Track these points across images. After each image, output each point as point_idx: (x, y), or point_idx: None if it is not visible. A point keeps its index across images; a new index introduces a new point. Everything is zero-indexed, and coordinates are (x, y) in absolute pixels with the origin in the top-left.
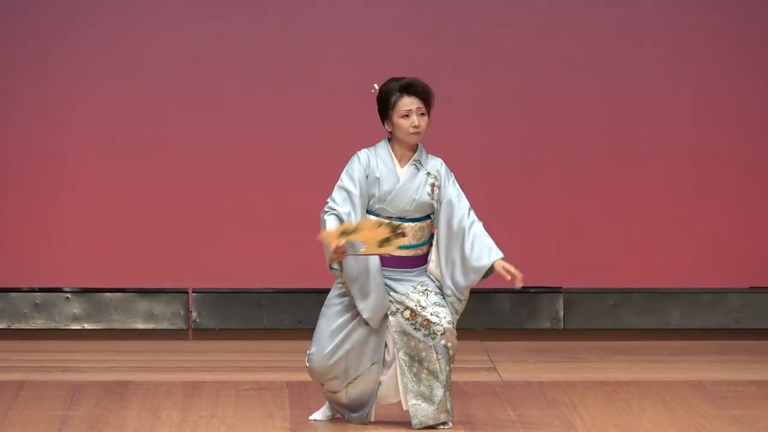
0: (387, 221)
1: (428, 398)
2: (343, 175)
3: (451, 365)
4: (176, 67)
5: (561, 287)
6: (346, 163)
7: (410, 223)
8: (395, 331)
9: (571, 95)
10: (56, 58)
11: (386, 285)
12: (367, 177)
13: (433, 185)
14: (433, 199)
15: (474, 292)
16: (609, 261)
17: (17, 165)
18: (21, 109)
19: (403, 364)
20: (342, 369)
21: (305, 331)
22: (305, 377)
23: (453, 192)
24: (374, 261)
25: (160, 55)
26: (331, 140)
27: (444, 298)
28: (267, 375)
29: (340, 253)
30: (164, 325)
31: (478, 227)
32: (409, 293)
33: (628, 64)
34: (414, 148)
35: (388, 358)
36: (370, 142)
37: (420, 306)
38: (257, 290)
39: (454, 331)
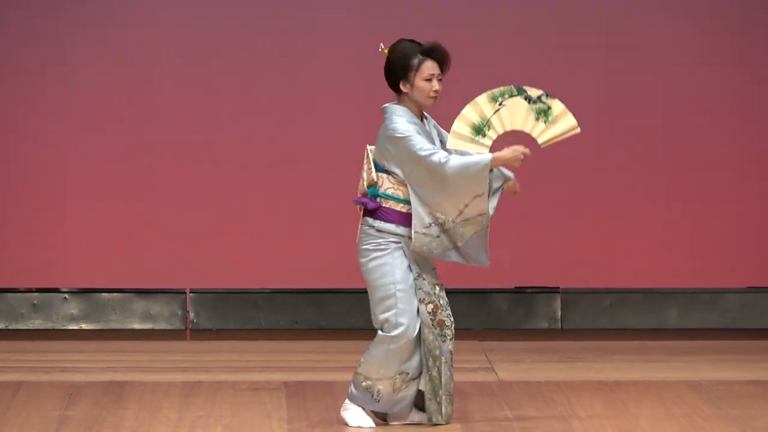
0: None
1: (433, 398)
2: (404, 130)
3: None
4: (174, 68)
5: (558, 287)
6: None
7: None
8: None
9: (569, 95)
10: (54, 58)
11: (417, 269)
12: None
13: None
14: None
15: (472, 293)
16: (606, 261)
17: (15, 166)
18: (19, 111)
19: (426, 362)
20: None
21: (302, 331)
22: (303, 377)
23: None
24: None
25: (157, 56)
26: (328, 142)
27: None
28: (264, 375)
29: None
30: (162, 326)
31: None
32: (435, 284)
33: (628, 64)
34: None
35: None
36: (366, 142)
37: (440, 303)
38: (254, 291)
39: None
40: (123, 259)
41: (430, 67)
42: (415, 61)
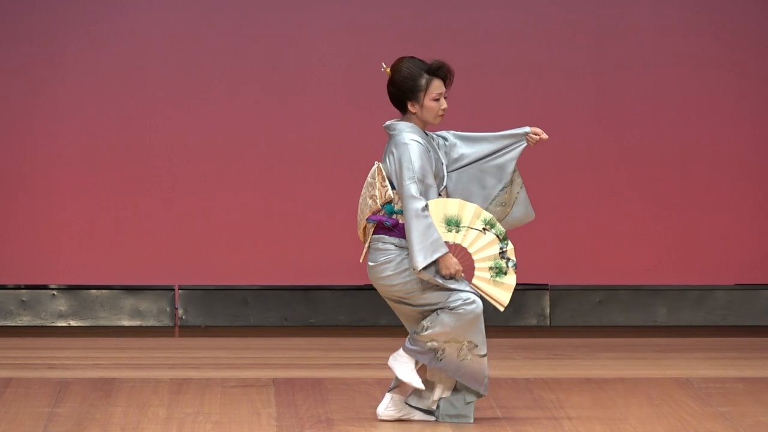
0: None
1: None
2: (416, 165)
3: None
4: (162, 67)
5: (547, 284)
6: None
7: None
8: None
9: (557, 95)
10: (43, 58)
11: None
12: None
13: (444, 152)
14: (448, 156)
15: None
16: (595, 258)
17: (3, 164)
18: (8, 109)
19: None
20: None
21: (291, 328)
22: (292, 374)
23: (450, 136)
24: None
25: (146, 55)
26: (317, 139)
27: None
28: (253, 372)
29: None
30: (150, 322)
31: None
32: None
33: (616, 65)
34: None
35: None
36: (357, 142)
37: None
38: (243, 287)
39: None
40: (112, 255)
41: (437, 86)
42: (423, 82)
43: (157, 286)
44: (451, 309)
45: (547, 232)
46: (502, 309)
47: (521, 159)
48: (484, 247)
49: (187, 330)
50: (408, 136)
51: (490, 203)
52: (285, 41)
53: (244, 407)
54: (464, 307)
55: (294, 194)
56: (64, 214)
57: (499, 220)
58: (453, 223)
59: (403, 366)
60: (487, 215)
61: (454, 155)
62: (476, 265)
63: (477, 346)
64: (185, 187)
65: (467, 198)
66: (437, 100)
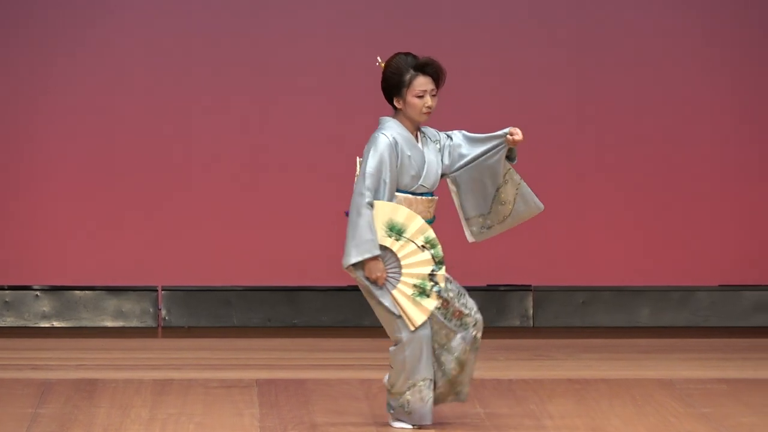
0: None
1: (454, 383)
2: (371, 161)
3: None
4: (144, 66)
5: (530, 285)
6: (314, 164)
7: (433, 197)
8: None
9: (542, 96)
10: (26, 57)
11: None
12: (398, 159)
13: (441, 151)
14: (443, 164)
15: None
16: (578, 259)
17: None
18: None
19: (437, 354)
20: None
21: (274, 329)
22: (274, 375)
23: (457, 135)
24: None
25: (127, 55)
26: (301, 140)
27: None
28: (236, 373)
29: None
30: (134, 323)
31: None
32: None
33: (598, 67)
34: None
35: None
36: (340, 143)
37: (449, 296)
38: (227, 288)
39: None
40: (95, 256)
41: (422, 83)
42: (407, 77)
43: (140, 287)
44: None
45: (530, 233)
46: (412, 329)
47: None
48: (416, 264)
49: (171, 331)
50: (382, 131)
51: (492, 202)
52: (269, 46)
53: (226, 408)
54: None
55: (277, 195)
56: (47, 215)
57: (505, 217)
58: (395, 230)
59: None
60: (431, 235)
61: (456, 155)
62: (402, 278)
63: (431, 378)
64: (169, 188)
65: (481, 195)
66: (421, 96)
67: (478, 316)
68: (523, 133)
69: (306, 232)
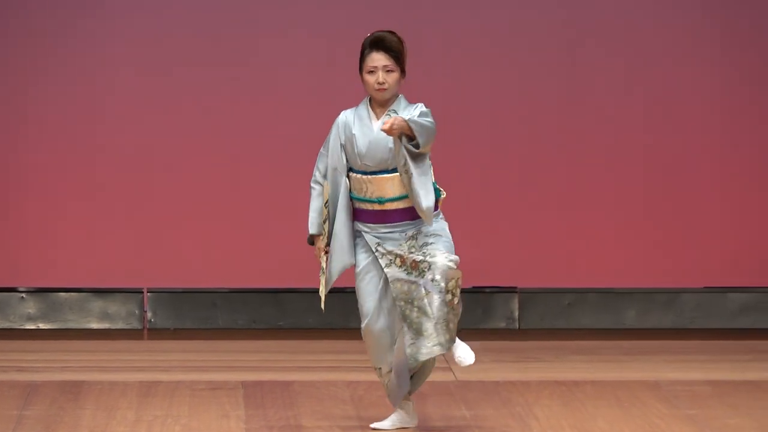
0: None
1: (419, 334)
2: (325, 142)
3: (449, 296)
4: (133, 69)
5: (516, 287)
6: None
7: (389, 175)
8: (391, 282)
9: (526, 97)
10: (16, 59)
11: (376, 240)
12: (343, 139)
13: None
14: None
15: None
16: (564, 261)
17: None
18: None
19: (402, 311)
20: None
21: (260, 331)
22: (261, 377)
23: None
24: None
25: (118, 57)
26: (285, 142)
27: (439, 237)
28: (222, 375)
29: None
30: (119, 325)
31: (421, 118)
32: (401, 243)
33: (582, 67)
34: (388, 102)
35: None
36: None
37: (408, 252)
38: (212, 290)
39: (447, 264)
40: (80, 258)
41: (374, 59)
42: (363, 55)
43: (125, 288)
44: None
45: (516, 234)
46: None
47: (497, 159)
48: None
49: (156, 333)
50: (344, 111)
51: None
52: (256, 43)
53: (212, 410)
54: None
55: (262, 196)
56: (32, 217)
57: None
58: None
59: None
60: None
61: None
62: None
63: (381, 368)
64: (154, 190)
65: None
66: (372, 72)
67: (436, 259)
68: (506, 137)
69: (291, 234)
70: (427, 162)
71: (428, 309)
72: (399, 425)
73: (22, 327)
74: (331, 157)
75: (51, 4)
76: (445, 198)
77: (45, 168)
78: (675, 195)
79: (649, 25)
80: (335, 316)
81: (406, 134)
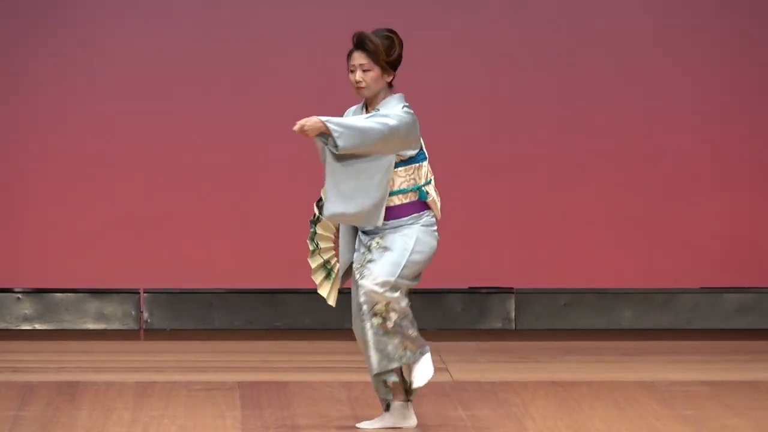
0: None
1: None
2: None
3: (378, 320)
4: (128, 68)
5: (512, 288)
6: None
7: None
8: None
9: (525, 98)
10: (11, 59)
11: (368, 237)
12: None
13: None
14: None
15: (425, 293)
16: (560, 262)
17: None
18: None
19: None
20: None
21: (256, 331)
22: (257, 377)
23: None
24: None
25: (108, 58)
26: (281, 142)
27: (387, 253)
28: (218, 375)
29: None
30: (115, 326)
31: (365, 119)
32: (361, 250)
33: (580, 68)
34: (379, 99)
35: None
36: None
37: (362, 260)
38: (208, 291)
39: (372, 288)
40: (76, 259)
41: (354, 57)
42: (348, 53)
43: (122, 289)
44: None
45: (512, 235)
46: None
47: (495, 160)
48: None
49: (152, 333)
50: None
51: None
52: (254, 49)
53: (209, 410)
54: None
55: (259, 197)
56: (28, 218)
57: None
58: (327, 269)
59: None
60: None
61: None
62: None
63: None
64: (149, 190)
65: None
66: (353, 71)
67: (364, 281)
68: (502, 137)
69: (288, 235)
70: (369, 164)
71: (362, 334)
72: (382, 425)
73: (19, 328)
74: None
75: (46, 6)
76: (437, 203)
77: (41, 169)
78: (671, 196)
79: (649, 27)
80: (331, 316)
81: (325, 134)
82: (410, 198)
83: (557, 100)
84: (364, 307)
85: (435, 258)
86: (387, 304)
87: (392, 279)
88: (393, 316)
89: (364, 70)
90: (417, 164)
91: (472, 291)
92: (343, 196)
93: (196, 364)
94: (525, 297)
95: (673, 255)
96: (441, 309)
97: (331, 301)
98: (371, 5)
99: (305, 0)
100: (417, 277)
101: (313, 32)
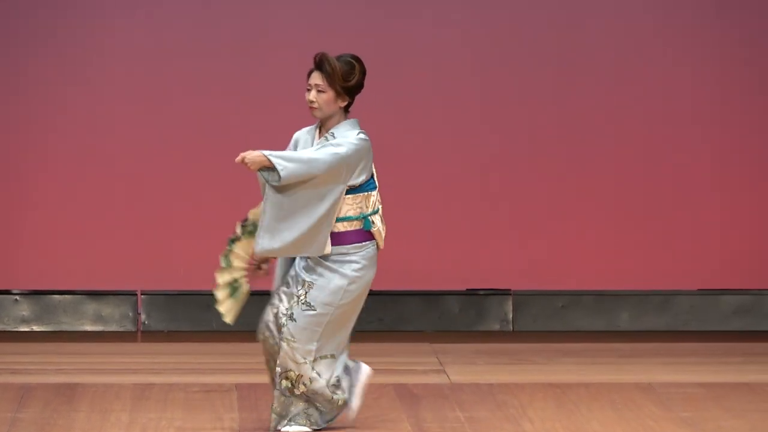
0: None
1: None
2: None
3: (287, 384)
4: (124, 69)
5: (510, 289)
6: None
7: None
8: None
9: (520, 96)
10: (18, 64)
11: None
12: None
13: None
14: None
15: (422, 295)
16: (558, 263)
17: None
18: None
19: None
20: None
21: (254, 333)
22: (254, 379)
23: (334, 142)
24: None
25: (105, 57)
26: (278, 144)
27: (308, 308)
28: (216, 377)
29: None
30: (113, 327)
31: (309, 150)
32: (292, 293)
33: (578, 69)
34: (333, 123)
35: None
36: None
37: (284, 305)
38: (206, 292)
39: (287, 348)
40: (74, 260)
41: (312, 77)
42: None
43: (119, 291)
44: None
45: (510, 237)
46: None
47: (493, 161)
48: (247, 247)
49: (150, 335)
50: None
51: None
52: (248, 50)
53: (206, 412)
54: None
55: (257, 198)
56: (26, 219)
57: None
58: (234, 286)
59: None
60: (224, 254)
61: None
62: (255, 249)
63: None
64: (147, 192)
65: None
66: (308, 90)
67: (284, 343)
68: (499, 138)
69: None
70: (316, 192)
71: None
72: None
73: (16, 329)
74: None
75: (46, 6)
76: (381, 234)
77: (38, 170)
78: (669, 197)
79: (649, 27)
80: None
81: (267, 168)
82: (355, 226)
83: (556, 101)
84: (278, 369)
85: (433, 259)
86: (299, 377)
87: (313, 349)
88: (302, 388)
89: (318, 91)
90: (365, 193)
91: (470, 293)
92: (281, 229)
93: (193, 366)
94: (523, 299)
95: (671, 257)
96: (438, 310)
97: (229, 319)
98: (371, 5)
99: (305, 0)
100: (347, 329)
101: (313, 32)
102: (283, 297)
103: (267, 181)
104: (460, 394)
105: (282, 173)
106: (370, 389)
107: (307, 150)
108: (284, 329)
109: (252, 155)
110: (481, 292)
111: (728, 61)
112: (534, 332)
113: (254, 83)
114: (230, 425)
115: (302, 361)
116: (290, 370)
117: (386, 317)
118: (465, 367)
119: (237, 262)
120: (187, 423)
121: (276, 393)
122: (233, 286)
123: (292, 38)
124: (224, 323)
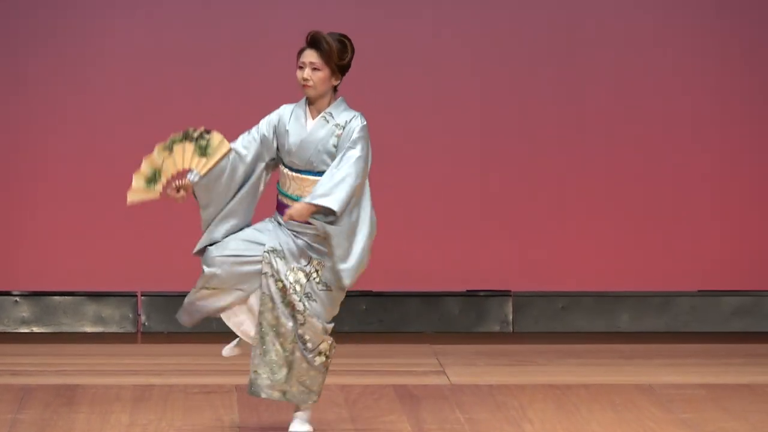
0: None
1: (271, 372)
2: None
3: (322, 358)
4: (119, 68)
5: (510, 290)
6: None
7: (314, 177)
8: (263, 292)
9: (520, 96)
10: (17, 63)
11: (291, 233)
12: (275, 128)
13: (339, 136)
14: (337, 150)
15: (423, 296)
16: (558, 264)
17: None
18: None
19: (262, 333)
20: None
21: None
22: None
23: (347, 146)
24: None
25: (107, 62)
26: None
27: (327, 290)
28: (216, 378)
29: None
30: (113, 329)
31: (333, 171)
32: (295, 267)
33: (578, 69)
34: (326, 102)
35: (252, 301)
36: None
37: (294, 288)
38: None
39: (319, 326)
40: (74, 261)
41: (305, 55)
42: (299, 50)
43: (119, 292)
44: None
45: (510, 238)
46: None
47: (492, 162)
48: (184, 156)
49: (150, 336)
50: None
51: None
52: (248, 51)
53: (206, 413)
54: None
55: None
56: (26, 220)
57: None
58: (154, 177)
59: None
60: (164, 143)
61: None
62: (192, 166)
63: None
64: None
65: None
66: (300, 68)
67: (313, 320)
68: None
69: None
70: (353, 218)
71: (289, 357)
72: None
73: (16, 331)
74: (261, 136)
75: (46, 6)
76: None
77: (38, 170)
78: (669, 198)
79: (649, 27)
80: None
81: (318, 212)
82: None
83: (556, 102)
84: (309, 345)
85: (433, 260)
86: (331, 346)
87: (330, 325)
88: (331, 354)
89: (313, 69)
90: None
91: (470, 294)
92: (353, 249)
93: (193, 368)
94: (523, 300)
95: (671, 258)
96: (438, 312)
97: (128, 200)
98: (371, 5)
99: (305, 0)
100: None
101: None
102: (282, 267)
103: (327, 224)
104: (460, 395)
105: (334, 207)
106: (371, 389)
107: (328, 173)
108: (307, 307)
109: (298, 210)
110: (482, 293)
111: (728, 61)
112: (534, 333)
113: (254, 83)
114: (230, 426)
115: (329, 332)
116: (323, 342)
117: (386, 318)
118: (465, 368)
119: (167, 164)
120: (187, 424)
121: (311, 373)
122: (151, 180)
123: (292, 38)
124: (224, 324)
